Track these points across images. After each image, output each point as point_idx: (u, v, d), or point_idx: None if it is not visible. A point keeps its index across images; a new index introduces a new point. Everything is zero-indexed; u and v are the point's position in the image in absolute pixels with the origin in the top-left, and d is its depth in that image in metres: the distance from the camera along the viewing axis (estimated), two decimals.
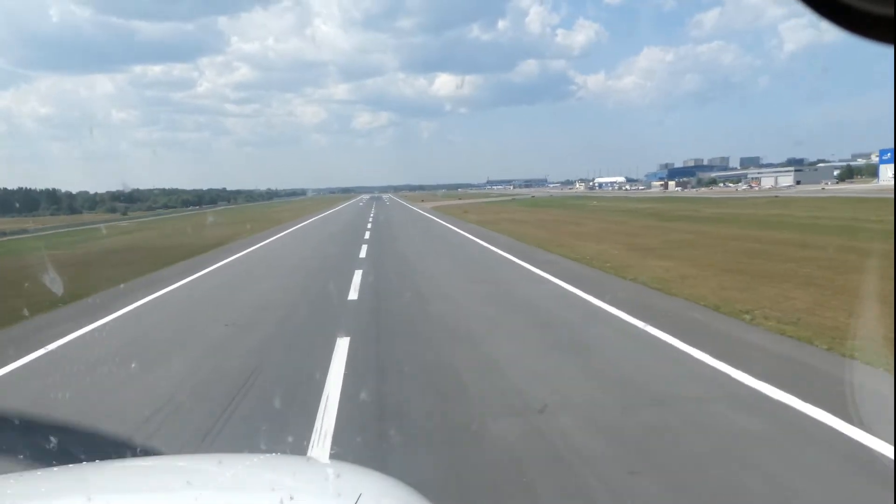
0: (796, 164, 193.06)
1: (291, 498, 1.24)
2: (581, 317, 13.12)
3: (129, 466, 1.89)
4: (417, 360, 9.97)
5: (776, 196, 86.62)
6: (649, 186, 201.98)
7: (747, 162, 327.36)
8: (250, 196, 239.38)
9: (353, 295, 16.51)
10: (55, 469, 1.67)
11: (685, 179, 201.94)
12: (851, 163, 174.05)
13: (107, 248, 35.45)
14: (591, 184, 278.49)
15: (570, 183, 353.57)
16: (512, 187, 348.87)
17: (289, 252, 31.45)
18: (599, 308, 13.65)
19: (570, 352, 10.09)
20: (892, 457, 4.93)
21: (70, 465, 1.67)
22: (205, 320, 14.14)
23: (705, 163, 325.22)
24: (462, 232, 39.49)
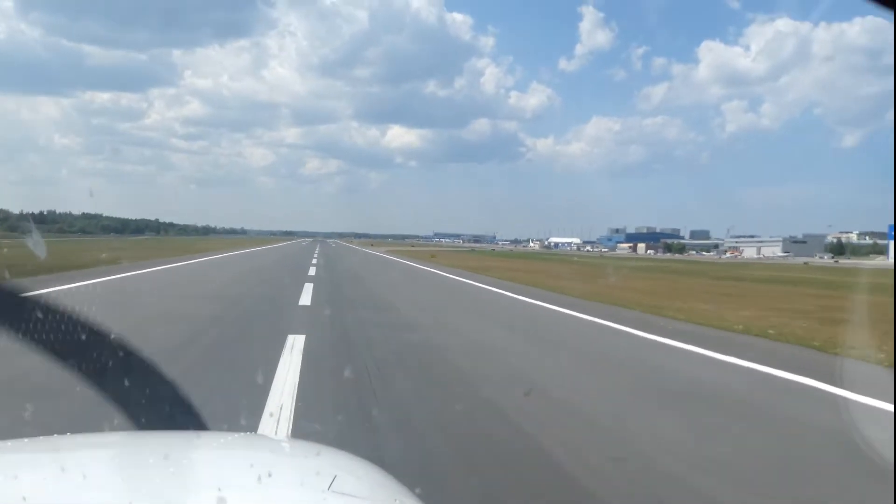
0: (744, 239, 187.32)
1: (269, 475, 1.21)
2: None
3: (105, 439, 1.75)
4: None
5: (805, 263, 75.79)
6: (613, 249, 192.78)
7: (697, 234, 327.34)
8: (183, 230, 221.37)
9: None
10: (26, 440, 1.54)
11: (655, 244, 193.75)
12: (843, 238, 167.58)
13: None
14: (546, 243, 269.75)
15: (519, 241, 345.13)
16: (461, 241, 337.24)
17: (180, 291, 17.99)
18: None
19: None
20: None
21: (41, 437, 1.54)
22: None
23: (657, 230, 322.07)
24: (463, 279, 26.51)
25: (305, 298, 15.28)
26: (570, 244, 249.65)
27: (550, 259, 70.17)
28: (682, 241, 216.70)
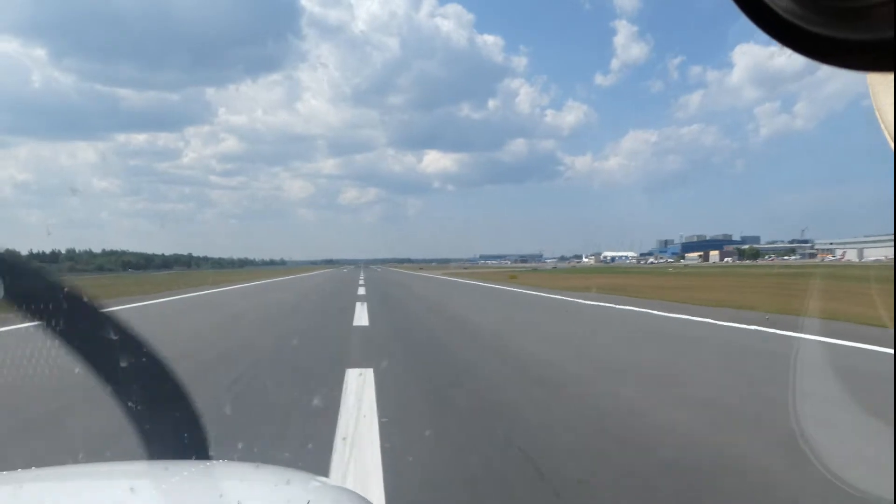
0: (799, 244, 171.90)
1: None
2: None
3: (68, 472, 1.65)
4: None
5: None
6: (680, 258, 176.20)
7: (748, 239, 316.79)
8: (218, 263, 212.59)
9: None
10: None
11: (728, 250, 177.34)
12: None
13: None
14: (602, 257, 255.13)
15: (566, 258, 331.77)
16: (508, 262, 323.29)
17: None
18: None
19: None
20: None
21: (2, 473, 1.44)
22: None
23: (708, 238, 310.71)
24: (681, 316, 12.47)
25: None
26: (625, 257, 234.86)
27: (651, 273, 55.92)
28: (755, 246, 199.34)
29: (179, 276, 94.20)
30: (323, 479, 1.47)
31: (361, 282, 40.09)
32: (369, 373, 6.99)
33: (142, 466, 1.53)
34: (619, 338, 10.56)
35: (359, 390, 6.04)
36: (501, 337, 10.90)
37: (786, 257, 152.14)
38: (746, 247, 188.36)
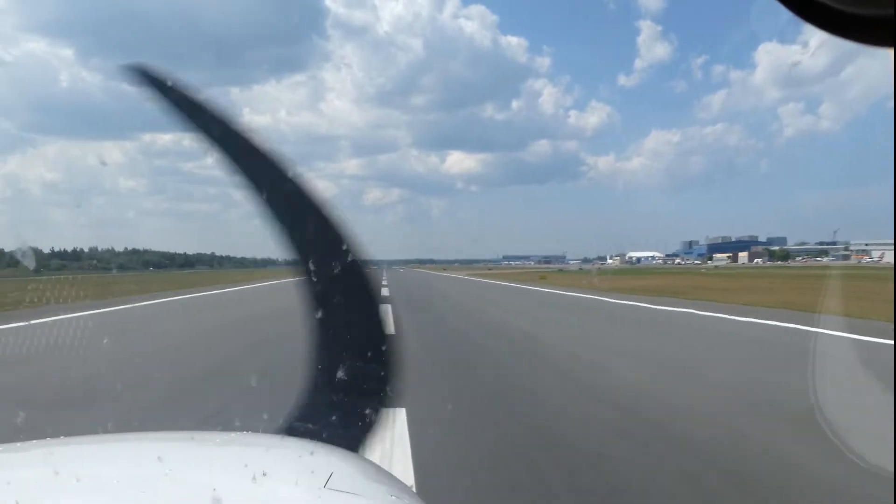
0: (829, 245, 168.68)
1: (264, 474, 1.20)
2: None
3: (98, 441, 1.68)
4: None
5: None
6: (708, 259, 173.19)
7: (775, 241, 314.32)
8: (240, 262, 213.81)
9: None
10: (18, 444, 1.50)
11: (756, 251, 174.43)
12: None
13: None
14: (627, 258, 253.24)
15: (589, 260, 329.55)
16: (532, 263, 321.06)
17: None
18: None
19: None
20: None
21: (34, 441, 1.49)
22: None
23: (733, 239, 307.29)
24: None
25: None
26: (652, 258, 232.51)
27: (686, 274, 53.66)
28: (785, 247, 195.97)
29: (201, 275, 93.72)
30: (347, 451, 1.46)
31: (384, 283, 38.26)
32: (401, 417, 4.95)
33: (168, 436, 1.59)
34: (757, 362, 8.31)
35: (386, 457, 3.98)
36: (591, 365, 8.82)
37: (818, 258, 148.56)
38: (776, 248, 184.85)
